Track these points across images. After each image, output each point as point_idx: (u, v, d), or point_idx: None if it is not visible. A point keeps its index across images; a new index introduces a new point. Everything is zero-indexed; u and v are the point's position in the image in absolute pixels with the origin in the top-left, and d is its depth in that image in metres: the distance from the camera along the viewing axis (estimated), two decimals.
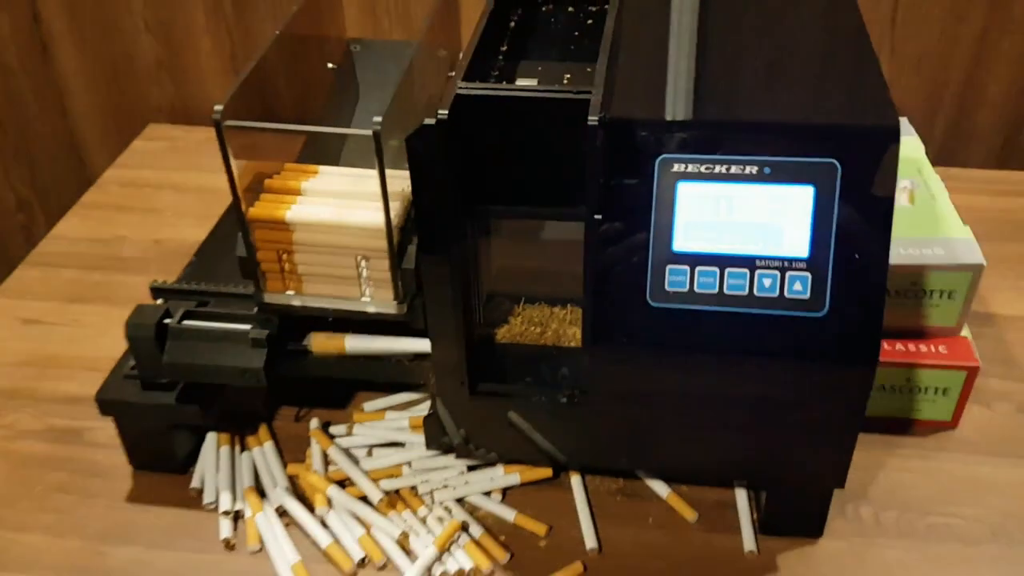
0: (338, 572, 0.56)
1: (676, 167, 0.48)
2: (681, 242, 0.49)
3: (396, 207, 0.53)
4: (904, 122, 0.76)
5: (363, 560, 0.57)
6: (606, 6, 0.58)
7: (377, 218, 0.53)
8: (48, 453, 0.66)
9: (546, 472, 0.61)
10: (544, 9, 0.62)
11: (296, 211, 0.55)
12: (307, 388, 0.66)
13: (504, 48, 0.58)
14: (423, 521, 0.59)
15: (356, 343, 0.59)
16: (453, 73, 0.50)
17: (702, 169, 0.48)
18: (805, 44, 0.54)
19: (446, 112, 0.45)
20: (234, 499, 0.60)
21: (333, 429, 0.65)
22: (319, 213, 0.55)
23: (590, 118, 0.44)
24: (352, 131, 0.56)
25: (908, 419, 0.64)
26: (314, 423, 0.65)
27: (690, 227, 0.48)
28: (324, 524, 0.59)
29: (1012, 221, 0.85)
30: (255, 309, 0.59)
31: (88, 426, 0.67)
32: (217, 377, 0.58)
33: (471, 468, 0.62)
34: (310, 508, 0.60)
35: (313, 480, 0.61)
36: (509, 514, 0.59)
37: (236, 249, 0.56)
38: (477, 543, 0.57)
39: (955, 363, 0.62)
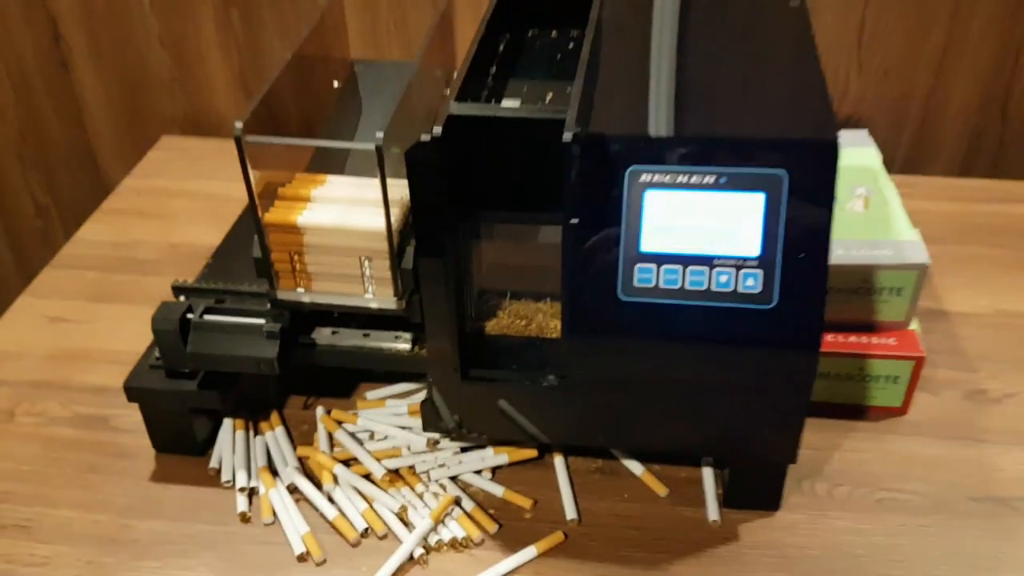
0: (344, 541, 0.62)
1: (644, 177, 0.54)
2: (648, 243, 0.55)
3: (396, 213, 0.59)
4: (864, 134, 0.82)
5: (366, 530, 0.63)
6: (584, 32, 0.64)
7: (379, 223, 0.59)
8: (77, 437, 0.72)
9: (531, 453, 0.67)
10: (530, 34, 0.68)
11: (306, 216, 0.61)
12: (315, 378, 0.72)
13: (493, 70, 0.64)
14: (420, 496, 0.65)
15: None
16: (448, 91, 0.56)
17: (666, 179, 0.54)
18: (760, 67, 0.60)
19: (440, 130, 0.51)
20: (249, 477, 0.66)
21: (338, 415, 0.71)
22: (327, 218, 0.61)
23: (565, 135, 0.50)
24: (357, 145, 0.62)
25: (862, 405, 0.70)
26: (320, 410, 0.71)
27: (656, 230, 0.54)
28: (331, 499, 0.65)
29: (971, 225, 0.91)
30: (268, 305, 0.65)
31: (113, 413, 0.73)
32: (235, 366, 0.64)
33: (464, 449, 0.68)
34: (318, 485, 0.65)
35: (320, 460, 0.67)
36: (498, 490, 0.65)
37: (252, 251, 0.63)
38: (469, 515, 0.63)
39: (903, 354, 0.68)
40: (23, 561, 0.63)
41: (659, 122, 0.56)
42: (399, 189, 0.58)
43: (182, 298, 0.68)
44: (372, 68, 0.79)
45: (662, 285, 0.55)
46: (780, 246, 0.53)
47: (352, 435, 0.69)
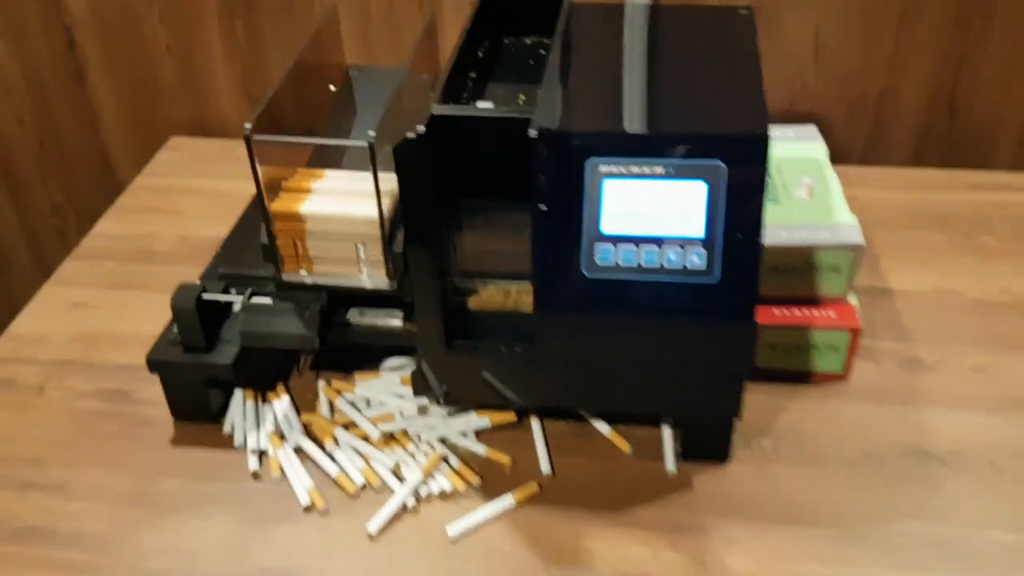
0: (344, 494, 0.70)
1: (602, 168, 0.62)
2: (607, 226, 0.62)
3: (387, 202, 0.67)
4: (813, 129, 0.90)
5: (364, 485, 0.71)
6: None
7: (372, 211, 0.67)
8: (102, 409, 0.79)
9: (511, 417, 0.75)
10: (506, 41, 0.76)
11: (308, 206, 0.69)
12: (321, 354, 0.80)
13: (473, 74, 0.72)
14: (412, 455, 0.72)
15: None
16: (433, 94, 0.64)
17: (622, 169, 0.62)
18: (706, 70, 0.68)
19: (424, 128, 0.59)
20: (259, 440, 0.74)
21: (338, 385, 0.79)
22: (326, 207, 0.69)
23: (530, 132, 0.58)
24: (352, 143, 0.70)
25: (806, 371, 0.78)
26: (321, 381, 0.79)
27: (614, 215, 0.62)
28: (332, 458, 0.72)
29: (921, 212, 0.99)
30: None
31: (134, 387, 0.80)
32: (280, 342, 0.71)
33: (451, 414, 0.75)
34: (321, 446, 0.73)
35: (323, 424, 0.75)
36: (480, 449, 0.73)
37: (260, 238, 0.70)
38: (455, 471, 0.71)
39: (842, 325, 0.76)
40: (59, 515, 0.70)
41: (615, 120, 0.64)
42: (389, 181, 0.65)
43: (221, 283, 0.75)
44: (365, 73, 0.87)
45: (620, 263, 0.63)
46: (721, 228, 0.61)
47: (351, 403, 0.77)
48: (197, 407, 0.76)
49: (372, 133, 0.63)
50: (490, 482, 0.71)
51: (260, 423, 0.75)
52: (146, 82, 1.17)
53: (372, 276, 0.70)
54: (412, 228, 0.64)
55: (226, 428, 0.75)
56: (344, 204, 0.69)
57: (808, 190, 0.81)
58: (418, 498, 0.70)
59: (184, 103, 1.18)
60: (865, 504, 0.69)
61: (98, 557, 0.67)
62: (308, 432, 0.75)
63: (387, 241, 0.68)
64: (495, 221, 0.67)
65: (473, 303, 0.70)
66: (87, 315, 0.90)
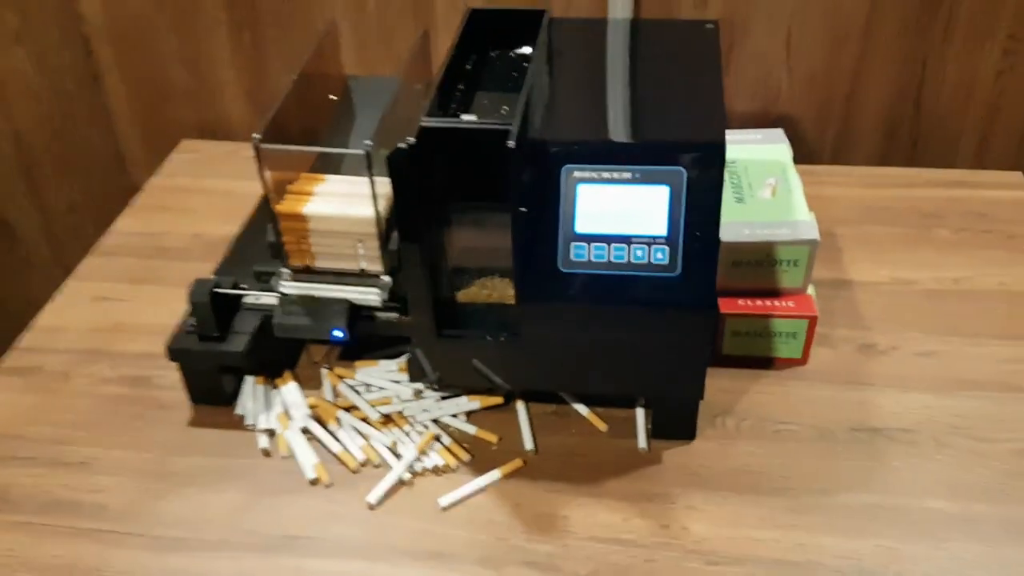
0: (346, 469, 0.77)
1: (576, 173, 0.69)
2: (581, 226, 0.69)
3: (383, 204, 0.74)
4: (779, 132, 0.96)
5: (364, 461, 0.78)
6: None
7: (369, 212, 0.74)
8: (124, 393, 0.86)
9: (498, 399, 0.82)
10: (492, 55, 0.83)
11: (311, 207, 0.75)
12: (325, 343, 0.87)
13: (461, 86, 0.79)
14: (407, 435, 0.80)
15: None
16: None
17: (594, 175, 0.69)
18: (671, 83, 0.75)
19: (413, 139, 0.66)
20: (269, 421, 0.81)
21: (340, 372, 0.86)
22: (327, 209, 0.75)
23: (508, 142, 0.65)
24: (350, 151, 0.76)
25: (768, 357, 0.85)
26: (325, 368, 0.86)
27: (586, 215, 0.69)
28: (335, 437, 0.79)
29: (882, 208, 1.06)
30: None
31: (154, 374, 0.87)
32: (314, 333, 0.77)
33: (443, 397, 0.82)
34: (325, 427, 0.80)
35: (327, 407, 0.82)
36: (470, 429, 0.80)
37: (267, 236, 0.77)
38: (447, 448, 0.78)
39: (800, 313, 0.83)
40: (86, 490, 0.77)
41: (589, 130, 0.71)
42: (385, 185, 0.72)
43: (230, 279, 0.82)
44: (363, 83, 0.93)
45: (592, 259, 0.70)
46: (682, 227, 0.68)
47: (352, 387, 0.84)
48: (212, 391, 0.83)
49: (368, 143, 0.70)
50: (479, 458, 0.78)
51: (269, 406, 0.82)
52: (159, 88, 1.23)
53: (370, 271, 0.77)
54: (404, 229, 0.71)
55: (238, 410, 0.83)
56: (344, 205, 0.75)
57: (771, 190, 0.88)
58: (413, 473, 0.77)
59: (195, 108, 1.24)
60: (817, 476, 0.76)
61: (121, 527, 0.74)
62: (314, 414, 0.82)
63: (383, 239, 0.75)
64: (480, 222, 0.74)
65: (461, 296, 0.76)
66: (108, 308, 0.97)
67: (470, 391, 0.82)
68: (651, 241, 0.69)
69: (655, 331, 0.71)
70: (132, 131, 1.28)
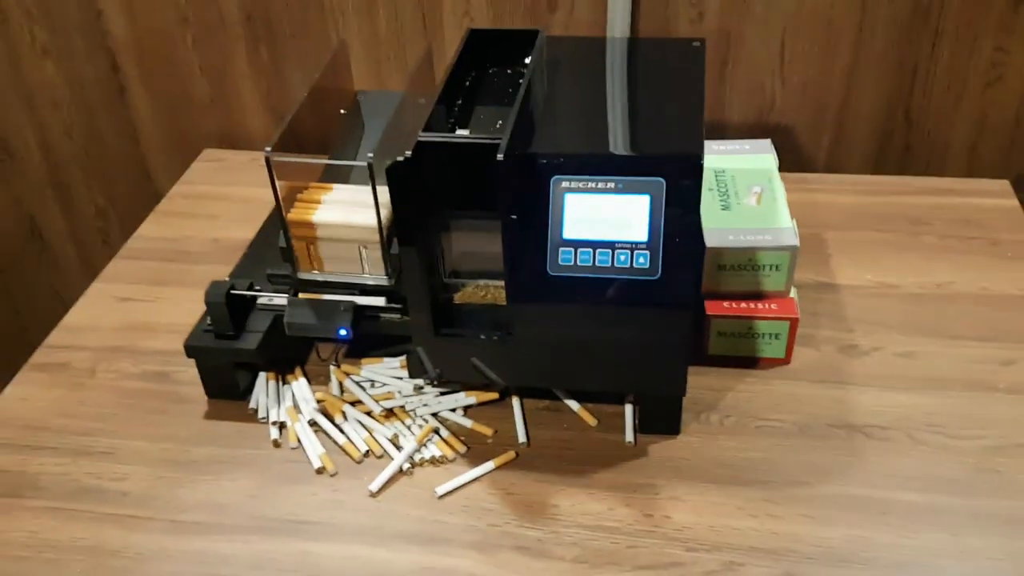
0: (350, 460, 0.82)
1: (564, 183, 0.74)
2: (568, 232, 0.74)
3: (385, 212, 0.79)
4: (767, 143, 1.01)
5: (367, 452, 0.83)
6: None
7: (372, 220, 0.79)
8: (145, 388, 0.92)
9: (494, 395, 0.87)
10: (490, 72, 0.88)
11: (319, 215, 0.81)
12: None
13: (460, 101, 0.84)
14: (408, 427, 0.85)
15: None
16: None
17: (581, 185, 0.73)
18: (655, 99, 0.80)
19: (411, 152, 0.71)
20: (279, 414, 0.86)
21: (347, 368, 0.91)
22: (334, 216, 0.81)
23: (498, 155, 0.69)
24: (355, 163, 0.82)
25: (753, 357, 0.89)
26: (333, 365, 0.92)
27: (574, 222, 0.74)
28: (341, 430, 0.84)
29: (871, 214, 1.09)
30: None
31: (173, 370, 0.93)
32: (322, 332, 0.82)
33: (442, 393, 0.87)
34: (331, 420, 0.86)
35: (333, 401, 0.87)
36: (467, 422, 0.85)
37: (279, 242, 0.83)
38: (444, 440, 0.83)
39: (782, 315, 0.87)
40: (108, 477, 0.83)
41: (576, 143, 0.75)
42: (387, 194, 0.78)
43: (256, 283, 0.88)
44: (371, 96, 0.98)
45: (579, 263, 0.74)
46: (662, 233, 0.73)
47: (357, 383, 0.89)
48: (227, 386, 0.88)
49: (371, 155, 0.75)
50: (474, 450, 0.83)
51: (280, 400, 0.88)
52: (181, 100, 1.29)
53: (372, 274, 0.83)
54: (404, 235, 0.76)
55: (251, 404, 0.88)
56: (349, 213, 0.81)
57: (757, 197, 0.92)
58: (413, 463, 0.82)
59: (215, 118, 1.30)
60: (795, 469, 0.80)
61: (141, 512, 0.79)
62: (321, 408, 0.87)
63: (385, 245, 0.80)
64: (474, 229, 0.79)
65: (458, 298, 0.81)
66: (131, 308, 1.02)
67: (467, 387, 0.87)
68: (633, 246, 0.73)
69: (637, 330, 0.76)
70: (156, 140, 1.34)
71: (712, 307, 0.87)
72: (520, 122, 0.74)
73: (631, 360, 0.77)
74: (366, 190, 0.79)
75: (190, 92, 1.29)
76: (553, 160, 0.73)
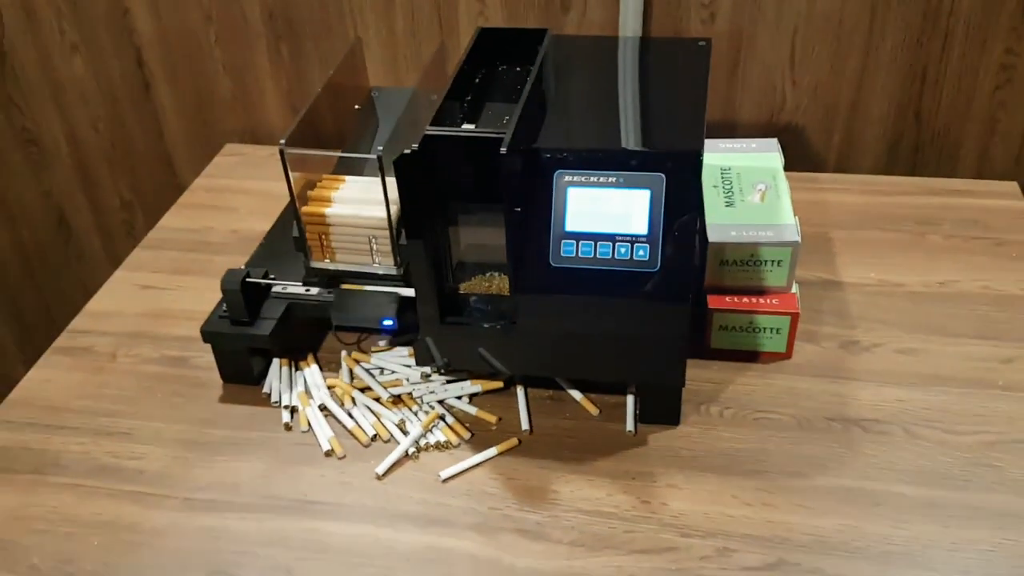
0: (359, 444, 0.85)
1: (567, 178, 0.76)
2: (570, 225, 0.76)
3: (394, 204, 0.82)
4: (773, 142, 1.02)
5: (375, 436, 0.85)
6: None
7: (382, 212, 0.82)
8: (164, 372, 0.95)
9: (498, 384, 0.89)
10: (499, 69, 0.90)
11: (330, 208, 0.84)
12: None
13: (469, 97, 0.86)
14: (415, 414, 0.87)
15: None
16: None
17: (583, 179, 0.76)
18: (659, 96, 0.82)
19: (417, 146, 0.74)
20: (291, 399, 0.89)
21: (357, 356, 0.94)
22: (346, 208, 0.84)
23: (501, 149, 0.72)
24: (365, 156, 0.85)
25: (755, 351, 0.91)
26: (344, 352, 0.94)
27: (575, 215, 0.76)
28: (350, 415, 0.87)
29: (878, 214, 1.10)
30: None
31: (191, 355, 0.96)
32: (364, 323, 0.85)
33: (448, 381, 0.90)
34: (341, 405, 0.88)
35: (343, 387, 0.90)
36: (472, 409, 0.87)
37: (292, 232, 0.86)
38: (449, 426, 0.86)
39: (783, 310, 0.88)
40: (127, 456, 0.86)
41: (579, 139, 0.78)
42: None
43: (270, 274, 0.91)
44: (385, 93, 1.01)
45: (581, 255, 0.76)
46: (661, 227, 0.75)
47: (367, 370, 0.92)
48: (241, 371, 0.91)
49: (380, 148, 0.78)
50: (479, 437, 0.85)
51: (292, 385, 0.91)
52: (204, 96, 1.33)
53: (383, 264, 0.85)
54: (411, 227, 0.78)
55: (265, 389, 0.91)
56: (359, 206, 0.83)
57: (761, 195, 0.94)
58: (418, 448, 0.84)
59: (237, 114, 1.33)
60: (791, 460, 0.81)
61: (157, 490, 0.82)
62: (331, 393, 0.90)
63: (394, 236, 0.83)
64: (480, 221, 0.81)
65: (464, 288, 0.84)
66: (153, 296, 1.06)
67: (473, 375, 0.89)
68: (633, 239, 0.75)
69: (636, 321, 0.78)
70: (180, 135, 1.37)
71: (714, 301, 0.89)
72: (525, 117, 0.76)
73: (630, 350, 0.79)
74: (377, 183, 0.82)
75: (213, 88, 1.32)
76: (556, 155, 0.76)
